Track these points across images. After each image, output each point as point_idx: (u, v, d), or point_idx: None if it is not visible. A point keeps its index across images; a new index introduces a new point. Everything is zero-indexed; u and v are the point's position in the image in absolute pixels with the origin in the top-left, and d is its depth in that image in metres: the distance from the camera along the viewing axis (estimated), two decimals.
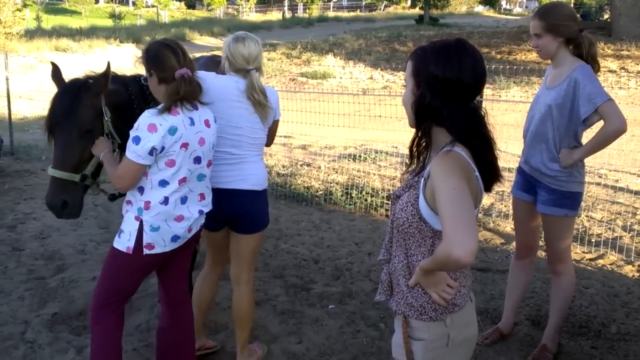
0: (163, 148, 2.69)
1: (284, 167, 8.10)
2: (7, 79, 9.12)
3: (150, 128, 2.66)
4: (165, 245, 2.84)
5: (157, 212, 2.77)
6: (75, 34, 26.35)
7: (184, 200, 2.85)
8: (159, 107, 2.73)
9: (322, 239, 5.69)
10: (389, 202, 6.34)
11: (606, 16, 26.19)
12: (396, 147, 8.44)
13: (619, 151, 6.53)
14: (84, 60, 20.43)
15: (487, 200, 6.47)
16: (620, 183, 6.92)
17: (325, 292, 4.56)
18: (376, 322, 4.11)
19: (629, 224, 5.82)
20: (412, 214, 1.96)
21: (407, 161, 2.11)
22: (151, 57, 2.78)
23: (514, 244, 4.56)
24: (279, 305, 4.36)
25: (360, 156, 8.31)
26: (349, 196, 6.76)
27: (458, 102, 1.91)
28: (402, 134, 8.13)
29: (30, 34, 25.01)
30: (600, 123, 3.30)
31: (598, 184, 6.88)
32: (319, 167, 8.00)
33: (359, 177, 7.38)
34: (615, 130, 3.23)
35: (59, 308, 4.21)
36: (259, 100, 3.18)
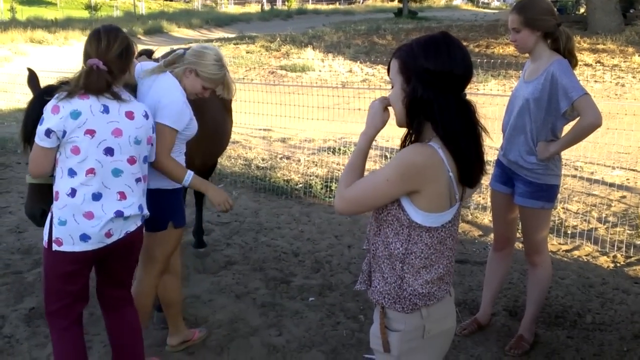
0: (65, 132, 2.61)
1: (263, 160, 8.09)
2: None
3: (53, 110, 2.62)
4: (74, 244, 2.69)
5: (64, 205, 2.67)
6: (51, 26, 25.95)
7: (96, 196, 2.70)
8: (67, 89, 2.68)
9: (302, 232, 5.70)
10: None
11: (582, 10, 26.45)
12: (375, 141, 8.45)
13: (595, 144, 6.62)
14: (60, 52, 20.19)
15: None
16: (596, 175, 7.02)
17: (305, 284, 4.58)
18: (356, 314, 4.13)
19: (604, 215, 5.91)
20: (391, 201, 1.99)
21: (387, 154, 2.14)
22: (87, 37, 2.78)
23: (491, 235, 4.62)
24: (259, 298, 4.37)
25: (339, 149, 8.32)
26: (328, 189, 6.77)
27: (450, 94, 1.94)
28: None
29: (5, 26, 24.58)
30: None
31: (574, 176, 6.97)
32: (299, 160, 8.00)
33: (339, 170, 7.39)
34: (590, 124, 3.29)
35: (36, 302, 4.17)
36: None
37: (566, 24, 3.47)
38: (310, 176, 7.24)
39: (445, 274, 2.06)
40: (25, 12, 36.51)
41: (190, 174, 3.14)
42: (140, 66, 3.27)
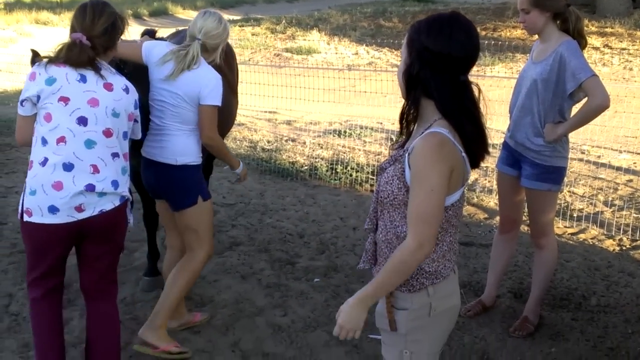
0: (39, 97, 2.62)
1: (268, 142, 8.07)
2: None
3: (30, 77, 2.65)
4: (42, 215, 2.63)
5: (35, 174, 2.64)
6: (56, 7, 25.84)
7: (68, 167, 2.63)
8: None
9: (307, 214, 5.70)
10: (374, 177, 6.37)
11: None
12: (381, 123, 8.44)
13: (602, 127, 6.58)
14: (65, 34, 20.08)
15: (471, 175, 6.50)
16: (602, 159, 6.98)
17: (311, 266, 4.59)
18: None
19: (610, 199, 5.89)
20: (398, 187, 1.98)
21: (392, 137, 2.13)
22: None
23: (497, 218, 4.61)
24: (264, 279, 4.38)
25: (345, 132, 8.30)
26: (334, 171, 6.77)
27: (447, 75, 1.92)
28: (387, 110, 8.14)
29: (10, 7, 24.50)
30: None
31: (580, 159, 6.94)
32: (304, 143, 7.98)
33: (344, 153, 7.38)
34: (598, 105, 3.26)
35: None
36: (183, 63, 3.12)
37: (574, 7, 3.43)
38: (316, 158, 7.23)
39: (447, 251, 2.05)
40: None
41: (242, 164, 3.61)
42: (148, 47, 3.26)
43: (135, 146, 3.64)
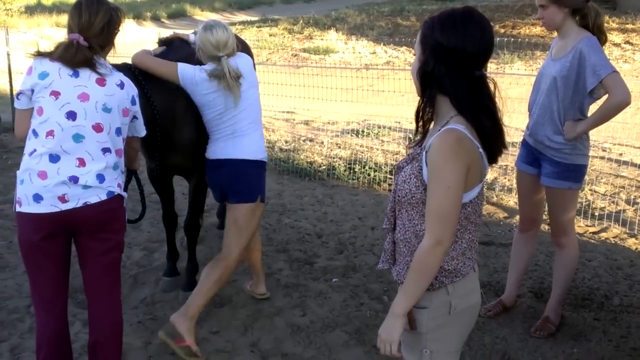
0: (33, 92, 2.64)
1: (286, 142, 8.09)
2: (8, 55, 9.07)
3: (28, 71, 2.67)
4: (29, 204, 2.60)
5: (24, 164, 2.65)
6: None
7: (54, 158, 2.61)
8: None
9: (326, 214, 5.70)
10: (392, 177, 6.35)
11: None
12: (399, 122, 8.41)
13: (623, 124, 6.50)
14: None
15: (490, 174, 6.46)
16: (624, 157, 6.90)
17: (329, 265, 4.58)
18: (379, 295, 4.13)
19: (632, 197, 5.82)
20: (415, 185, 1.96)
21: (410, 136, 2.12)
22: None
23: (517, 217, 4.57)
24: (282, 279, 4.38)
25: (363, 131, 8.28)
26: (352, 171, 6.76)
27: (462, 71, 1.90)
28: (405, 109, 8.12)
29: (31, 10, 24.76)
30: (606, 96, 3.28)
31: (602, 157, 6.86)
32: (322, 142, 7.98)
33: (362, 152, 7.37)
34: (619, 102, 3.22)
35: None
36: (235, 84, 3.34)
37: (594, 3, 3.39)
38: (334, 158, 7.23)
39: (467, 248, 2.03)
40: None
41: None
42: (185, 76, 3.37)
43: (153, 149, 3.68)
